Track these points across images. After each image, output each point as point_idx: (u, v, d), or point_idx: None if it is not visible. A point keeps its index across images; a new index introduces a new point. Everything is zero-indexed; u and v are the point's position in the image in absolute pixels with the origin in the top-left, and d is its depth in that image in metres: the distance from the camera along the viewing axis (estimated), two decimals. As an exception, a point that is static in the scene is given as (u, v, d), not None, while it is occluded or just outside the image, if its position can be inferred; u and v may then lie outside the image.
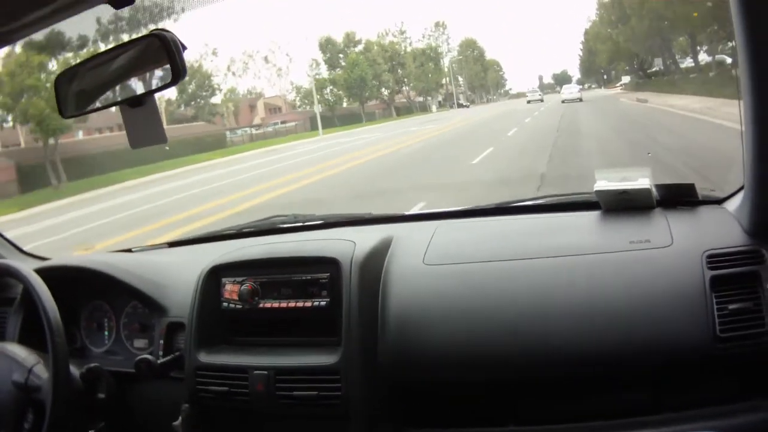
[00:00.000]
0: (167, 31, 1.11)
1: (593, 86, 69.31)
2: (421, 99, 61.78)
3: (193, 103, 40.38)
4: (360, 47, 54.03)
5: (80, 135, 32.26)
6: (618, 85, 49.99)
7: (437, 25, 70.62)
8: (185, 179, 17.66)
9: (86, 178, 20.00)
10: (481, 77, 76.04)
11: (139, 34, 1.14)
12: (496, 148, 13.54)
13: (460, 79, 71.01)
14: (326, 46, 52.37)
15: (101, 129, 34.07)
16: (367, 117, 51.55)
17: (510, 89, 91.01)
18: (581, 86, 51.63)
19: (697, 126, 12.84)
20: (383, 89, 55.35)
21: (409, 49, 62.08)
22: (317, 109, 44.99)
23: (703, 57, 31.06)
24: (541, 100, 41.43)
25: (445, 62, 68.94)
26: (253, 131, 41.84)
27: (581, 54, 70.21)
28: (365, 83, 51.17)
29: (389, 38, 58.02)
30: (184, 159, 23.66)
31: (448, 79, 67.41)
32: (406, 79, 58.56)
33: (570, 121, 19.37)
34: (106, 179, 19.35)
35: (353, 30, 56.19)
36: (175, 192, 14.17)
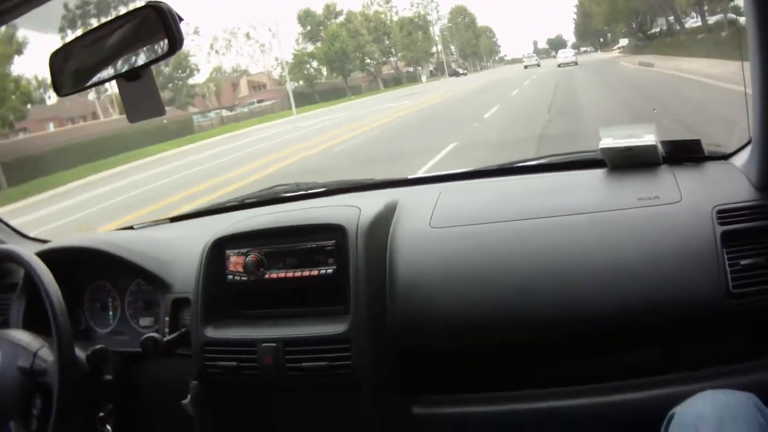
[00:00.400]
0: (162, 2, 1.08)
1: (589, 50, 67.53)
2: (411, 69, 60.35)
3: (170, 85, 38.19)
4: (341, 18, 52.33)
5: (51, 127, 31.39)
6: (615, 48, 46.67)
7: (426, -8, 69.14)
8: (111, 184, 15.23)
9: (29, 181, 18.22)
10: (473, 44, 74.40)
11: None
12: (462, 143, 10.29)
13: (452, 47, 70.72)
14: (305, 18, 51.17)
15: (74, 119, 33.23)
16: (353, 90, 50.19)
17: (505, 56, 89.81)
18: (576, 50, 53.61)
19: (735, 99, 9.48)
20: (368, 61, 53.54)
21: (396, 18, 60.74)
22: (290, 86, 43.28)
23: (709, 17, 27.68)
24: (538, 65, 43.75)
25: (435, 30, 67.52)
26: (226, 113, 39.00)
27: (576, 18, 71.20)
28: (346, 56, 49.33)
29: (375, 8, 56.69)
30: (134, 153, 21.91)
31: (439, 47, 66.48)
32: (393, 50, 57.15)
33: (566, 93, 17.04)
34: (47, 181, 17.68)
35: (334, 1, 53.65)
36: (86, 205, 11.96)
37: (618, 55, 37.76)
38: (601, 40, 67.12)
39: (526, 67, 44.12)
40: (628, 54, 35.20)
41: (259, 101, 43.50)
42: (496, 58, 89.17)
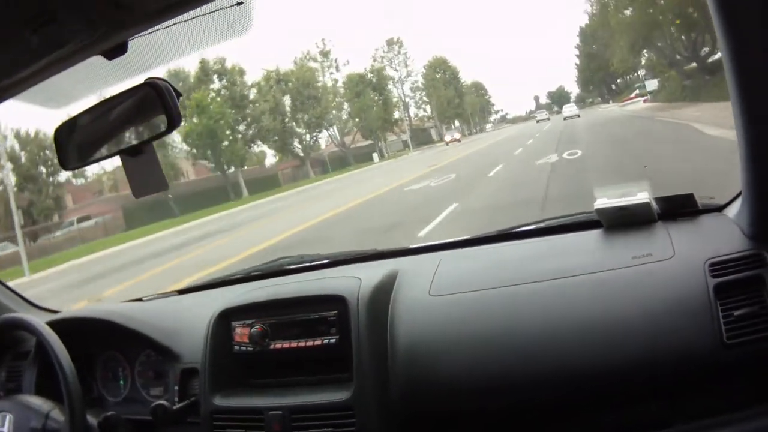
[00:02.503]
0: (161, 79, 1.13)
1: (596, 101, 62.31)
2: (370, 142, 48.15)
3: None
4: (222, 81, 37.41)
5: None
6: (636, 96, 37.94)
7: (390, 43, 57.86)
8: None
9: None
10: (456, 104, 62.64)
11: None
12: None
13: (427, 108, 60.48)
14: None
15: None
16: (252, 185, 34.91)
17: (506, 114, 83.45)
18: (582, 102, 56.29)
19: None
20: (275, 138, 39.56)
21: (337, 76, 50.83)
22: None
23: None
24: (548, 119, 51.80)
25: (405, 90, 58.89)
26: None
27: (578, 63, 62.56)
28: (216, 136, 33.83)
29: (312, 63, 45.12)
30: None
31: (410, 111, 58.22)
32: (327, 118, 43.84)
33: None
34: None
35: (223, 56, 37.64)
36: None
37: (647, 107, 27.28)
38: (613, 87, 59.34)
39: (537, 121, 51.17)
40: (667, 104, 23.58)
41: (82, 219, 28.78)
42: (495, 118, 79.41)
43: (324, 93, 45.09)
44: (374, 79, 50.03)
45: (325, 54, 46.97)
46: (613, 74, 52.97)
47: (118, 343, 1.94)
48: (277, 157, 45.10)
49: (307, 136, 43.62)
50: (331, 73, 49.18)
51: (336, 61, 47.62)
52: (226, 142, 35.25)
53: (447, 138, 51.05)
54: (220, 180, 35.80)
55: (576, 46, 64.09)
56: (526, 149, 20.88)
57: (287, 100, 42.24)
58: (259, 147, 42.44)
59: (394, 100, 54.35)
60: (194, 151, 35.48)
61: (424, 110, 62.39)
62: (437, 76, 62.00)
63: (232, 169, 36.11)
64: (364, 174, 31.75)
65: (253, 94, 39.90)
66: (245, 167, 38.12)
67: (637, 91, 39.39)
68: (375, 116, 47.18)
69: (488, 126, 74.85)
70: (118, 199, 29.67)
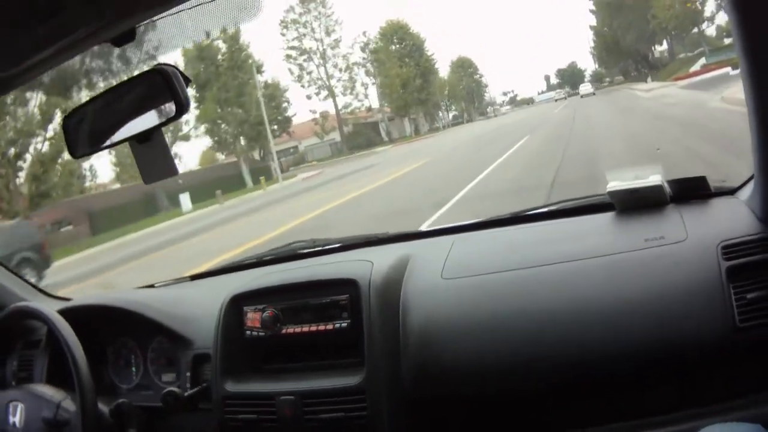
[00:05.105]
0: (169, 65, 1.13)
1: (615, 80, 52.20)
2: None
3: None
4: None
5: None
6: (707, 69, 21.61)
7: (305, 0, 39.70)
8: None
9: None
10: (419, 86, 42.66)
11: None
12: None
13: (373, 96, 44.75)
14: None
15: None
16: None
17: (516, 95, 70.31)
18: (598, 82, 54.34)
19: None
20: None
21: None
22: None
23: None
24: (565, 98, 50.93)
25: (329, 68, 40.53)
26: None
27: (595, 23, 44.18)
28: None
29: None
30: None
31: (335, 100, 39.83)
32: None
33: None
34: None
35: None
36: None
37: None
38: (645, 61, 38.57)
39: (556, 100, 52.18)
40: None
41: (56, 225, 22.50)
42: (504, 100, 65.13)
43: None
44: (225, 62, 30.10)
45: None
46: (650, 34, 32.89)
47: (129, 330, 1.95)
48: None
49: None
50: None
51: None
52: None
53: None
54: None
55: (591, 10, 44.81)
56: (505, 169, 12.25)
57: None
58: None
59: (283, 85, 36.73)
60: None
61: (365, 96, 43.77)
62: (392, 48, 43.38)
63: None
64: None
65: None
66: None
67: (704, 61, 23.36)
68: (237, 120, 30.11)
69: (490, 109, 58.43)
70: (79, 204, 24.45)
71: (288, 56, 40.80)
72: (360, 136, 41.58)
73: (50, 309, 1.72)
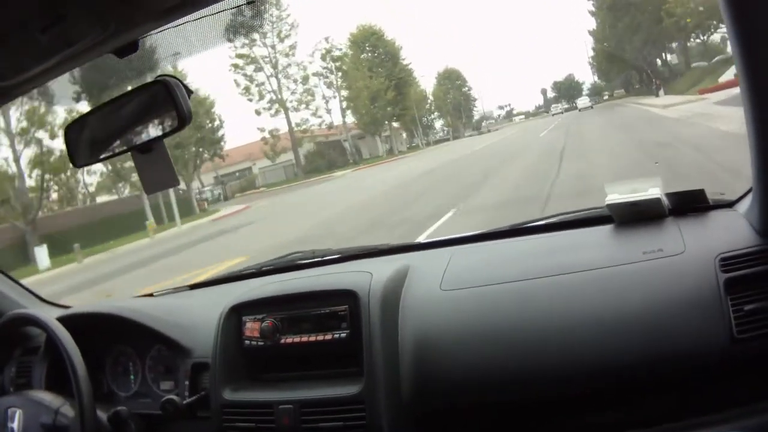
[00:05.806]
0: (172, 76, 1.13)
1: (616, 94, 47.52)
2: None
3: None
4: None
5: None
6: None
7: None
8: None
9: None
10: (391, 99, 38.23)
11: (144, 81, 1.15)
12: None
13: (336, 111, 39.20)
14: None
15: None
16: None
17: (512, 108, 67.94)
18: (596, 96, 53.55)
19: None
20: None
21: None
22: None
23: None
24: (562, 113, 51.44)
25: (281, 79, 35.66)
26: None
27: (595, 27, 37.48)
28: None
29: None
30: None
31: (289, 117, 34.65)
32: None
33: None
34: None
35: None
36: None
37: None
38: (659, 64, 32.71)
39: (553, 114, 53.57)
40: None
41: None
42: (500, 114, 63.07)
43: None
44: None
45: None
46: (660, 37, 27.80)
47: (128, 338, 1.95)
48: None
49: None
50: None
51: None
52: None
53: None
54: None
55: (590, 12, 37.70)
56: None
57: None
58: None
59: (209, 101, 29.10)
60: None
61: (326, 111, 39.62)
62: (362, 57, 39.00)
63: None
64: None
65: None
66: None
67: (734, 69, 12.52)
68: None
69: (485, 124, 56.72)
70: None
71: (235, 66, 36.35)
72: (320, 157, 37.00)
73: (49, 316, 1.73)
